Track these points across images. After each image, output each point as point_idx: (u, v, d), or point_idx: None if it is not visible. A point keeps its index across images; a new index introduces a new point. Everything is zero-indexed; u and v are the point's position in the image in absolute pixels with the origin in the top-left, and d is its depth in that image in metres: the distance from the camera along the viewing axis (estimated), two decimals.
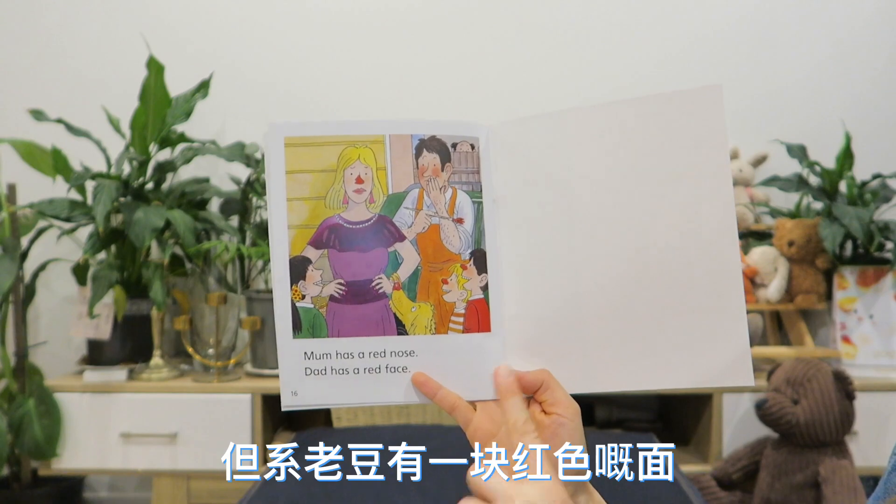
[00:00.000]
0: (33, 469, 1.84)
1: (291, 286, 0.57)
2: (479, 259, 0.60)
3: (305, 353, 0.58)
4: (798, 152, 1.93)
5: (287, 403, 0.58)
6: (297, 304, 0.57)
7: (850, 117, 2.03)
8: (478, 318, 0.60)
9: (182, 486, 1.72)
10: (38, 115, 1.78)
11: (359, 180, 0.58)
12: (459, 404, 0.58)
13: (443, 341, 0.59)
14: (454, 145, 0.60)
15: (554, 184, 0.61)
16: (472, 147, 0.60)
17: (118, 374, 1.75)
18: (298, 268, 0.57)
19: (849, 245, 1.91)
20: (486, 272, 0.60)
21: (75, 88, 2.05)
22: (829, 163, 1.95)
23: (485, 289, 0.60)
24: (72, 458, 1.72)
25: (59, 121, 1.76)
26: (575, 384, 0.59)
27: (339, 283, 0.58)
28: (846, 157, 1.91)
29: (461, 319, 0.59)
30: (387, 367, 0.58)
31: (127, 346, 1.81)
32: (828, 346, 1.92)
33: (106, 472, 1.75)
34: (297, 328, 0.58)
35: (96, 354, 1.81)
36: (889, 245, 1.87)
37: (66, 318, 2.01)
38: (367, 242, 0.58)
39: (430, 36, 2.06)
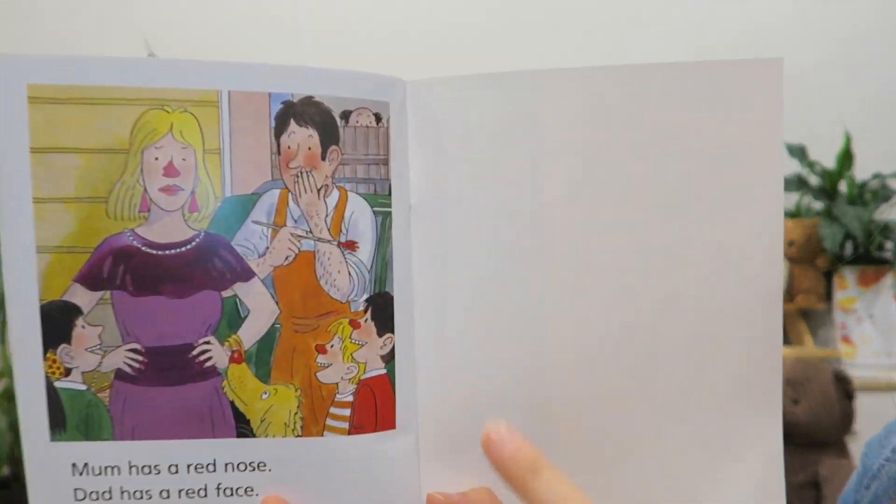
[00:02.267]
0: None
1: (45, 353, 0.33)
2: (382, 310, 0.36)
3: (75, 465, 0.34)
4: (798, 152, 1.90)
5: None
6: (58, 385, 0.33)
7: (850, 117, 1.99)
8: (375, 407, 0.36)
9: None
10: None
11: (170, 171, 0.33)
12: None
13: (315, 448, 0.35)
14: (345, 115, 0.35)
15: (515, 181, 0.37)
16: (378, 119, 0.36)
17: None
18: (57, 322, 0.33)
19: (849, 245, 1.87)
20: (391, 332, 0.36)
21: None
22: (829, 163, 1.92)
23: (389, 359, 0.36)
24: None
25: None
26: None
27: (134, 350, 0.33)
28: (846, 157, 1.89)
29: (347, 412, 0.35)
30: (219, 489, 0.34)
31: None
32: (828, 346, 1.88)
33: None
34: (59, 425, 0.33)
35: None
36: (889, 245, 1.87)
37: None
38: (184, 281, 0.33)
39: None
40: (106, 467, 0.34)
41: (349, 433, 0.35)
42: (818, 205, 1.94)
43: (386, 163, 0.36)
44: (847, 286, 1.83)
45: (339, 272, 0.35)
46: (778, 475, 0.39)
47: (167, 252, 0.33)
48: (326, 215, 0.35)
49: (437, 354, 0.37)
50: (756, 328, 0.37)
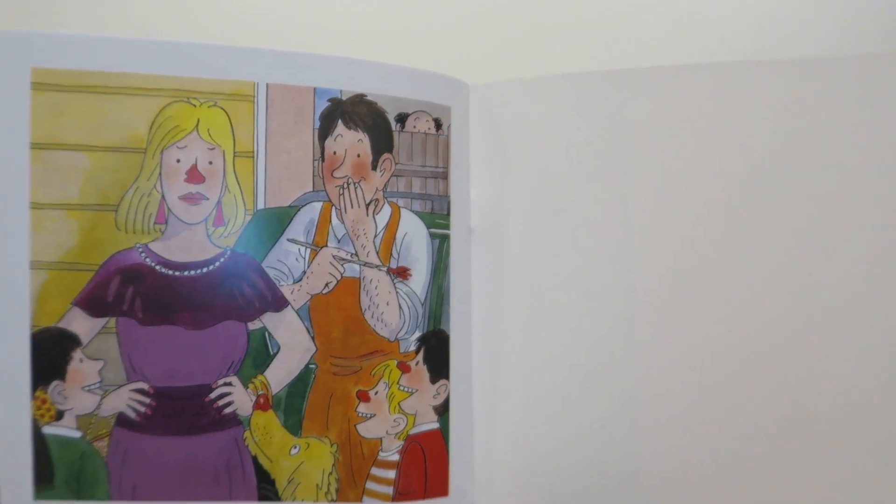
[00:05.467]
0: None
1: (33, 392, 0.27)
2: (437, 350, 0.30)
3: None
4: None
5: None
6: (46, 431, 0.27)
7: None
8: (425, 470, 0.30)
9: None
10: None
11: (194, 176, 0.28)
12: None
13: None
14: (402, 118, 0.30)
15: (597, 201, 0.31)
16: (438, 125, 0.30)
17: None
18: (50, 353, 0.27)
19: None
20: (446, 378, 0.30)
21: None
22: None
23: (443, 410, 0.30)
24: None
25: None
26: None
27: (140, 391, 0.28)
28: None
29: (392, 474, 0.29)
30: None
31: None
32: None
33: None
34: (45, 479, 0.28)
35: None
36: None
37: None
38: (204, 309, 0.28)
39: None
40: None
41: (393, 500, 0.29)
42: None
43: (445, 177, 0.30)
44: None
45: (387, 304, 0.29)
46: None
47: (185, 273, 0.28)
48: (375, 235, 0.29)
49: (499, 407, 0.31)
50: None
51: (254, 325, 0.28)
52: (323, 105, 0.29)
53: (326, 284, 0.29)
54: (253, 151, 0.28)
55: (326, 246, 0.29)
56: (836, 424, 0.30)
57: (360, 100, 0.29)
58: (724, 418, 0.30)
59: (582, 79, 0.31)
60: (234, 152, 0.28)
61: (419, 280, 0.30)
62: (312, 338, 0.29)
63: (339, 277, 0.29)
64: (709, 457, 0.30)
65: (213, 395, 0.28)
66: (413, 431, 0.30)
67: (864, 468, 0.29)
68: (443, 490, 0.30)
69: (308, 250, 0.29)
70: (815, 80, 0.31)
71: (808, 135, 0.31)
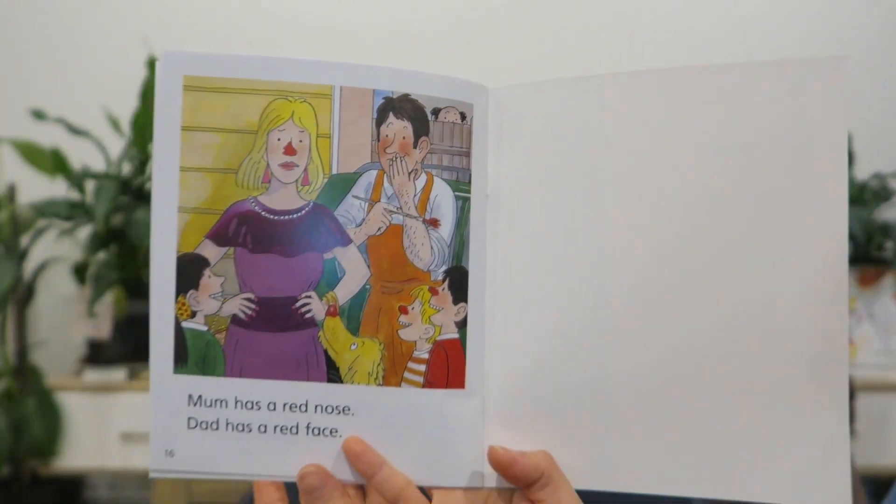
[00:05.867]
0: (33, 469, 1.83)
1: (177, 297, 0.39)
2: (458, 281, 0.41)
3: (191, 396, 0.39)
4: None
5: (157, 467, 0.39)
6: (184, 325, 0.39)
7: (850, 117, 1.98)
8: (447, 367, 0.40)
9: (182, 485, 1.68)
10: (38, 114, 1.80)
11: (289, 150, 0.40)
12: (408, 493, 0.39)
13: (393, 397, 0.40)
14: (436, 112, 0.41)
15: (584, 179, 0.42)
16: (463, 117, 0.41)
17: (118, 373, 1.74)
18: (189, 271, 0.39)
19: (849, 245, 1.83)
20: (465, 301, 0.41)
21: (75, 88, 2.07)
22: None
23: (462, 325, 0.41)
24: (72, 457, 1.72)
25: (59, 120, 1.78)
26: (586, 478, 0.40)
27: (248, 299, 0.39)
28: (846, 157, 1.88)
29: (423, 368, 0.40)
30: (308, 428, 0.39)
31: (127, 346, 1.81)
32: None
33: (106, 471, 1.76)
34: (181, 359, 0.39)
35: (96, 354, 1.81)
36: (889, 245, 1.86)
37: (66, 317, 2.00)
38: (293, 243, 0.40)
39: None
40: (216, 400, 0.39)
41: (423, 386, 0.40)
42: None
43: (468, 155, 0.42)
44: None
45: (422, 245, 0.40)
46: (843, 481, 0.38)
47: (281, 217, 0.40)
48: (415, 195, 0.40)
49: (506, 326, 0.42)
50: (819, 322, 0.39)
51: (327, 256, 0.40)
52: (379, 101, 0.40)
53: (379, 228, 0.40)
54: (329, 133, 0.40)
55: (379, 201, 0.40)
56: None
57: (405, 98, 0.41)
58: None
59: (566, 83, 0.42)
60: (317, 134, 0.40)
61: (446, 229, 0.41)
62: (368, 266, 0.40)
63: (388, 224, 0.40)
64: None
65: (297, 304, 0.40)
66: (439, 338, 0.40)
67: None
68: (460, 383, 0.41)
69: (367, 204, 0.40)
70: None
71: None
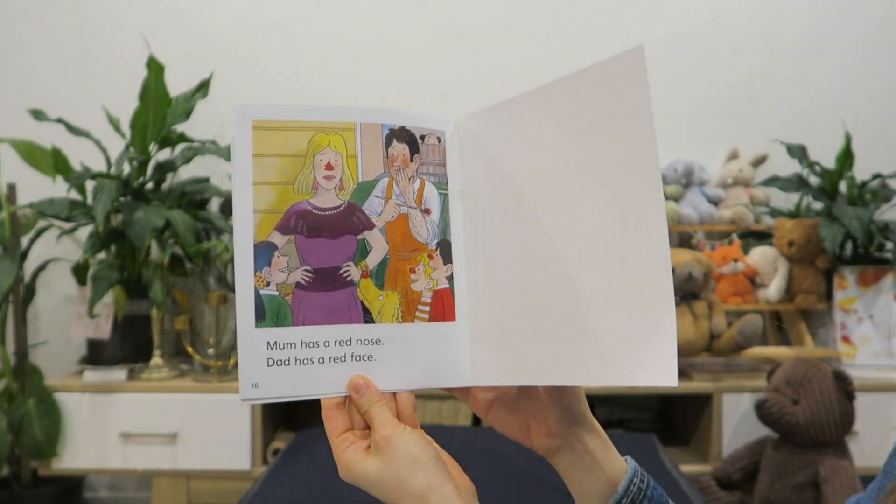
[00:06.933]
0: (33, 469, 1.84)
1: (255, 273, 0.57)
2: (445, 249, 0.60)
3: (268, 342, 0.55)
4: (798, 152, 1.93)
5: (247, 396, 0.55)
6: (261, 292, 0.57)
7: (850, 117, 2.01)
8: (443, 307, 0.59)
9: (182, 486, 1.72)
10: (38, 115, 1.79)
11: (329, 166, 0.58)
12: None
13: (409, 330, 0.59)
14: (422, 137, 0.60)
15: (507, 176, 0.59)
16: (439, 140, 0.60)
17: (118, 373, 1.75)
18: (263, 254, 0.57)
19: (849, 245, 1.90)
20: (451, 262, 0.60)
21: (75, 88, 2.06)
22: (829, 163, 1.95)
23: (450, 279, 0.60)
24: (72, 457, 1.73)
25: (59, 121, 1.78)
26: (526, 375, 0.57)
27: (306, 270, 0.58)
28: (846, 157, 1.90)
29: (427, 308, 0.59)
30: (352, 356, 0.58)
31: (127, 346, 1.82)
32: (828, 346, 1.91)
33: (106, 472, 1.76)
34: (261, 317, 0.56)
35: (96, 354, 1.82)
36: (889, 245, 1.87)
37: (66, 318, 2.02)
38: (335, 229, 0.58)
39: (417, 36, 2.06)
40: (287, 343, 0.57)
41: (428, 321, 0.59)
42: (818, 205, 1.95)
43: (444, 165, 0.61)
44: (847, 286, 1.84)
45: (421, 226, 0.59)
46: (670, 362, 0.47)
47: (326, 213, 0.58)
48: (413, 193, 0.59)
49: (479, 279, 0.61)
50: (646, 248, 0.49)
51: (360, 237, 0.58)
52: (386, 132, 0.59)
53: (392, 216, 0.59)
54: (356, 154, 0.58)
55: (392, 198, 0.59)
56: None
57: (403, 129, 0.59)
58: None
59: (496, 109, 0.59)
60: (347, 155, 0.58)
61: (435, 215, 0.60)
62: (387, 242, 0.59)
63: (398, 213, 0.59)
64: None
65: (341, 271, 0.58)
66: (437, 288, 0.60)
67: None
68: (452, 317, 0.60)
69: (383, 201, 0.59)
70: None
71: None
